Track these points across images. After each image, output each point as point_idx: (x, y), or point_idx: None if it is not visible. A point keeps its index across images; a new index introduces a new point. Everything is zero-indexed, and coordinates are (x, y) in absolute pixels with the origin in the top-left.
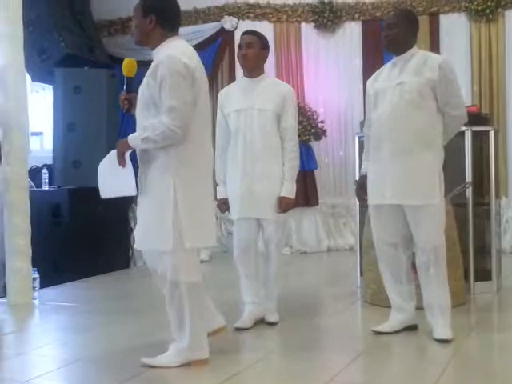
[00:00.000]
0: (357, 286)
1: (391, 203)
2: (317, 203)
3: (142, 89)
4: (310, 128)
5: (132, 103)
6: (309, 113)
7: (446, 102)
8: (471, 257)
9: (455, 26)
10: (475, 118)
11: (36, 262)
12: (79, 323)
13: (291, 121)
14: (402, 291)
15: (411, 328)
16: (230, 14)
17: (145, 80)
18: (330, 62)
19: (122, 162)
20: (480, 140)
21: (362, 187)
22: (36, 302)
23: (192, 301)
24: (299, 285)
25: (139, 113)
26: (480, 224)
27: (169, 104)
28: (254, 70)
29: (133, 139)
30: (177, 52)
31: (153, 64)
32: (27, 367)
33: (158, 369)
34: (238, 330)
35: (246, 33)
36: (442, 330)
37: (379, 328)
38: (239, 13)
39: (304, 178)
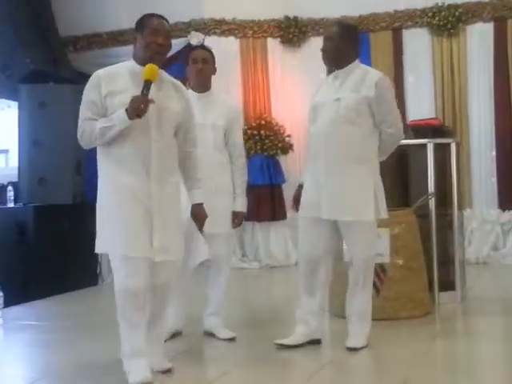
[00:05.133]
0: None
1: (326, 218)
2: (285, 217)
3: (172, 113)
4: (277, 142)
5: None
6: (276, 127)
7: (382, 119)
8: (435, 267)
9: (418, 41)
10: (437, 131)
11: (1, 280)
12: (45, 341)
13: (240, 137)
14: (313, 305)
15: (314, 342)
16: (196, 30)
17: (178, 103)
18: (297, 77)
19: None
20: (443, 152)
21: (298, 196)
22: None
23: None
24: (266, 299)
25: (162, 136)
26: (444, 235)
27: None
28: (206, 85)
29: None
30: None
31: (175, 87)
32: None
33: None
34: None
35: (199, 47)
36: (355, 338)
37: (283, 341)
38: (205, 29)
39: (271, 191)
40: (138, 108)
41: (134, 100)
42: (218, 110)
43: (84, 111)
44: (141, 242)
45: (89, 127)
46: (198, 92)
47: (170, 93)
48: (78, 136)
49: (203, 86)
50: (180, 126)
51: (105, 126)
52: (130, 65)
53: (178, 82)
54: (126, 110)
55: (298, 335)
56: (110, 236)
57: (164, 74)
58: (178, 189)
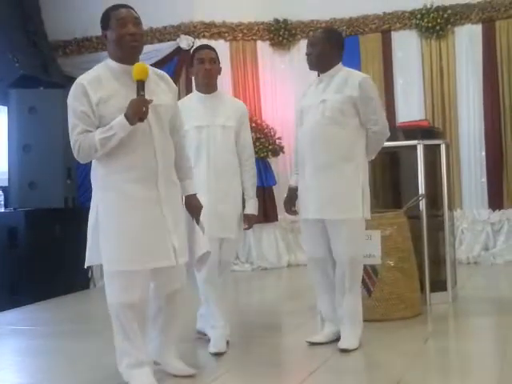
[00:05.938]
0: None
1: (314, 218)
2: (276, 219)
3: (166, 108)
4: (267, 145)
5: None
6: (266, 130)
7: (367, 118)
8: (426, 268)
9: (407, 43)
10: (427, 132)
11: None
12: (37, 346)
13: (249, 138)
14: (334, 303)
15: None
16: (185, 33)
17: (171, 100)
18: (286, 79)
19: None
20: (433, 153)
21: (289, 200)
22: None
23: None
24: (259, 301)
25: (163, 133)
26: (435, 236)
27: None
28: (214, 85)
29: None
30: None
31: (160, 77)
32: None
33: None
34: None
35: (205, 47)
36: (347, 340)
37: (314, 339)
38: (195, 32)
39: (263, 194)
40: (141, 111)
41: (135, 104)
42: (226, 110)
43: (76, 124)
44: (144, 253)
45: (86, 140)
46: (205, 93)
47: (158, 86)
48: (75, 152)
49: (211, 86)
50: (171, 117)
51: (104, 136)
52: (109, 65)
53: (162, 72)
54: (125, 115)
55: (328, 332)
56: (108, 248)
57: (147, 66)
58: (178, 187)
